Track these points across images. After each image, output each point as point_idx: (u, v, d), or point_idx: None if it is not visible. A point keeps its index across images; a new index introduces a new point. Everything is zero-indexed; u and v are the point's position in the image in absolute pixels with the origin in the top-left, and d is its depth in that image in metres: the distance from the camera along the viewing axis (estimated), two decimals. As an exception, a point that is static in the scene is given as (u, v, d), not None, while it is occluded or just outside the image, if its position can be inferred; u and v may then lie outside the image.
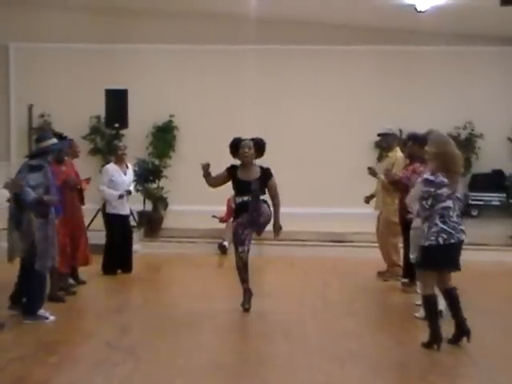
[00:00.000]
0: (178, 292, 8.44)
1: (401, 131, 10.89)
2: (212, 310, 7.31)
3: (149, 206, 11.99)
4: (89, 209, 10.94)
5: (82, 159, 9.10)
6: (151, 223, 11.77)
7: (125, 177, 9.30)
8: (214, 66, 13.20)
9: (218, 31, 12.82)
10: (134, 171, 11.61)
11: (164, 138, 13.19)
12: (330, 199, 12.37)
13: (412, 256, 6.13)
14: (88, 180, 8.49)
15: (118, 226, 9.17)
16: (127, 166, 9.49)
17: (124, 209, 9.32)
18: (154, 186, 11.96)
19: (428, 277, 5.80)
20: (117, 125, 12.03)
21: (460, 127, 12.66)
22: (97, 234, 9.30)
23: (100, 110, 12.35)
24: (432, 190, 5.67)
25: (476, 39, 12.81)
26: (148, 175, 11.84)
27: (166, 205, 12.12)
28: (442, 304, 6.09)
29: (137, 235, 11.42)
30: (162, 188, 12.02)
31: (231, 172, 7.20)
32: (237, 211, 7.24)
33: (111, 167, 9.35)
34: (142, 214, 11.83)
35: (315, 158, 12.99)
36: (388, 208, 8.60)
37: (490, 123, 12.93)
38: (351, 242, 11.10)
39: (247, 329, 5.61)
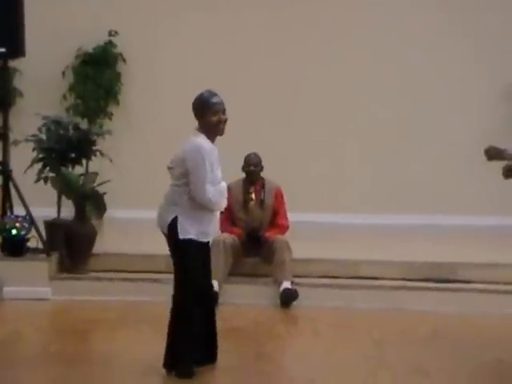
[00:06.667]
0: None
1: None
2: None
3: (68, 211, 7.64)
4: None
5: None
6: (72, 246, 7.46)
7: None
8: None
9: None
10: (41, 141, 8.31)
11: (98, 76, 9.36)
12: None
13: None
14: None
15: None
16: None
17: None
18: (80, 171, 7.92)
19: None
20: (3, 49, 7.80)
21: None
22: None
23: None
24: None
25: None
26: (67, 149, 7.79)
27: (102, 208, 7.61)
28: None
29: (44, 269, 7.60)
30: (96, 175, 7.69)
31: None
32: None
33: None
34: (53, 226, 7.62)
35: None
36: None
37: None
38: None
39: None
